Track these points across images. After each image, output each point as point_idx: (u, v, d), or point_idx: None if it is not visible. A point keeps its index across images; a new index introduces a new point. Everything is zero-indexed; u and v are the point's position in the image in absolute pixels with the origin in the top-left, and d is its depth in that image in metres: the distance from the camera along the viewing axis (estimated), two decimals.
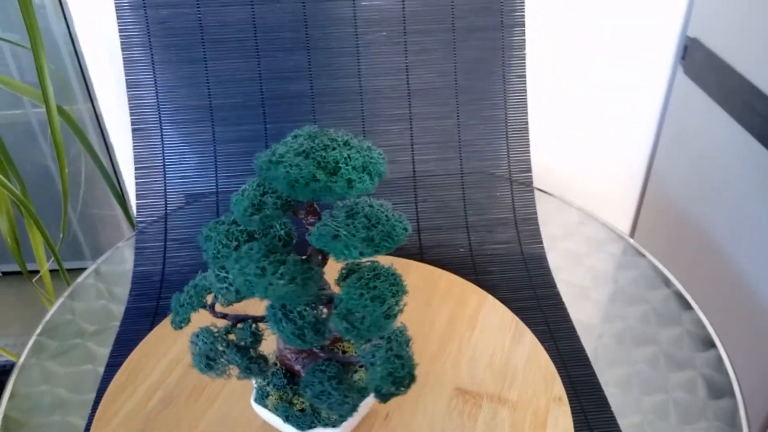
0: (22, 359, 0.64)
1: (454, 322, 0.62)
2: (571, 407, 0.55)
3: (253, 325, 0.46)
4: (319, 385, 0.43)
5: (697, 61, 0.85)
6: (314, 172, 0.37)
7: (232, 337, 0.45)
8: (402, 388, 0.41)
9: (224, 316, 0.46)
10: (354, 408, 0.44)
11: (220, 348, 0.44)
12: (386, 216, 0.39)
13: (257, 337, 0.46)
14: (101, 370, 0.62)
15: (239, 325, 0.46)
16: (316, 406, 0.45)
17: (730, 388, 0.59)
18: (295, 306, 0.41)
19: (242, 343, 0.45)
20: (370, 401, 0.50)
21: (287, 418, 0.47)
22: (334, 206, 0.40)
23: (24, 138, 1.27)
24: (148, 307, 0.68)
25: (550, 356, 0.59)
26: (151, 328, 0.65)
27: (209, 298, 0.45)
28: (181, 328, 0.45)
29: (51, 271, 0.94)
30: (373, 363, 0.41)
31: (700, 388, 0.59)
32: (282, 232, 0.44)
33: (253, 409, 0.50)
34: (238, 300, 0.43)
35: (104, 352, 0.64)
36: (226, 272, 0.42)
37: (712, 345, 0.63)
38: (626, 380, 0.60)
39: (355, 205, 0.39)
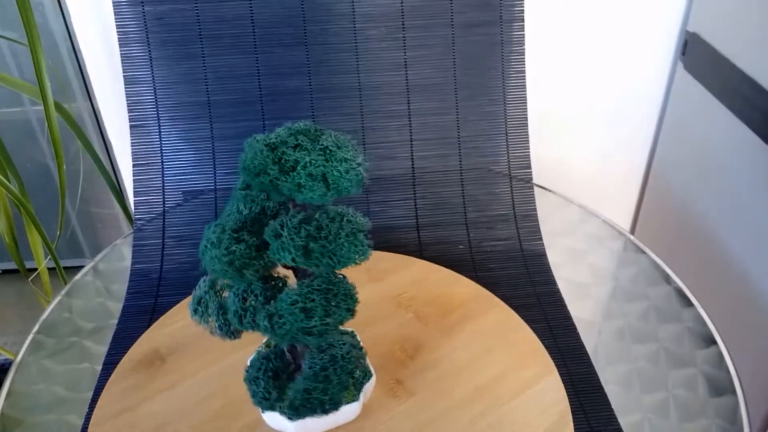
0: (19, 357, 0.64)
1: (505, 378, 0.56)
2: (570, 405, 0.54)
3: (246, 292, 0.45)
4: (254, 372, 0.43)
5: (697, 56, 0.85)
6: (268, 165, 0.36)
7: (225, 294, 0.45)
8: (316, 411, 0.41)
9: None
10: (273, 404, 0.43)
11: (209, 300, 0.44)
12: (339, 233, 0.37)
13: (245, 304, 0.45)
14: (99, 368, 0.62)
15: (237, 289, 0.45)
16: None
17: (731, 385, 0.58)
18: (240, 285, 0.41)
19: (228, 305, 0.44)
20: (352, 413, 0.49)
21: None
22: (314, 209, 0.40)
23: (23, 136, 1.27)
24: (146, 304, 0.68)
25: (550, 353, 0.59)
26: (148, 326, 0.64)
27: None
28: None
29: (50, 269, 0.94)
30: (305, 373, 0.41)
31: (700, 386, 0.59)
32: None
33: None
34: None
35: (102, 350, 0.64)
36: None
37: (713, 342, 0.62)
38: (626, 378, 0.60)
39: (316, 212, 0.39)
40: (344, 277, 0.41)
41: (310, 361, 0.42)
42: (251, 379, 0.43)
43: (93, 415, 0.54)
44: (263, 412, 0.45)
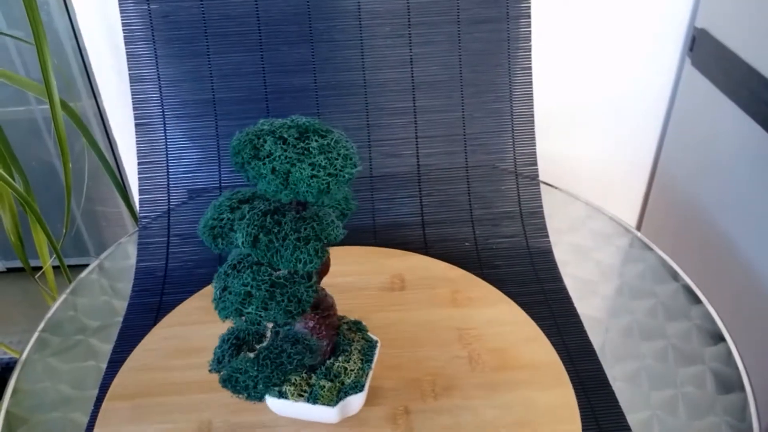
0: (24, 355, 0.64)
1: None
2: (578, 402, 0.54)
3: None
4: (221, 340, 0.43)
5: (704, 52, 0.84)
6: (246, 148, 0.37)
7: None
8: (240, 393, 0.42)
9: None
10: (222, 368, 0.43)
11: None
12: (291, 237, 0.38)
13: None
14: (104, 366, 0.62)
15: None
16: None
17: (739, 382, 0.58)
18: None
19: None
20: (326, 414, 0.49)
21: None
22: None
23: (29, 134, 1.27)
24: (151, 302, 0.68)
25: (557, 351, 0.58)
26: (154, 324, 0.64)
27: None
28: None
29: (55, 267, 0.94)
30: (257, 352, 0.43)
31: (709, 383, 0.59)
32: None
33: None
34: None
35: (107, 348, 0.64)
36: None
37: (721, 339, 0.62)
38: (634, 375, 0.60)
39: (295, 212, 0.39)
40: (308, 279, 0.41)
41: (266, 344, 0.43)
42: (219, 344, 0.44)
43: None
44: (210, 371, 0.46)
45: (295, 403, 0.48)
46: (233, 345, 0.45)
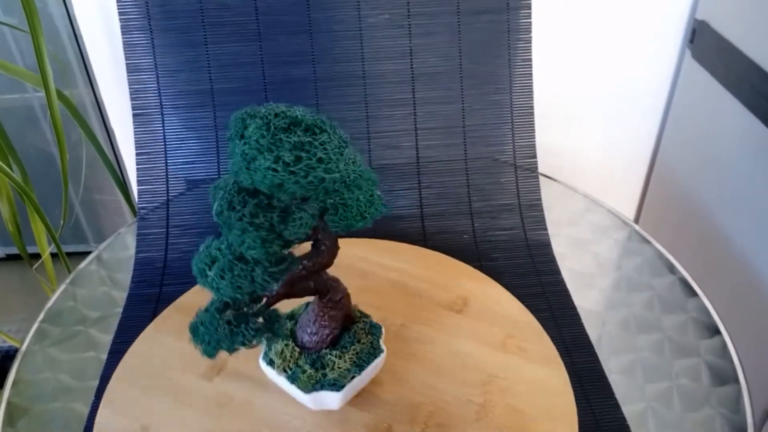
0: (24, 346, 0.64)
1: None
2: (574, 394, 0.55)
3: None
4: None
5: (705, 44, 0.84)
6: (236, 124, 0.38)
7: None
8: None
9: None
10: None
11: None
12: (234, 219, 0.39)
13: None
14: (104, 356, 0.62)
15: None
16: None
17: (734, 375, 0.58)
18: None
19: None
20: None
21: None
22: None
23: (27, 122, 1.27)
24: (150, 293, 0.68)
25: (554, 343, 0.59)
26: (153, 315, 0.64)
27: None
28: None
29: (54, 254, 0.94)
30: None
31: (704, 375, 0.59)
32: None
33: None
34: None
35: (107, 338, 0.64)
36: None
37: (717, 332, 0.63)
38: (630, 367, 0.60)
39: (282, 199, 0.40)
40: (273, 264, 0.40)
41: (238, 311, 0.43)
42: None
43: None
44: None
45: (278, 375, 0.49)
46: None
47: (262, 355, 0.51)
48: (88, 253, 0.75)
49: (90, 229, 1.43)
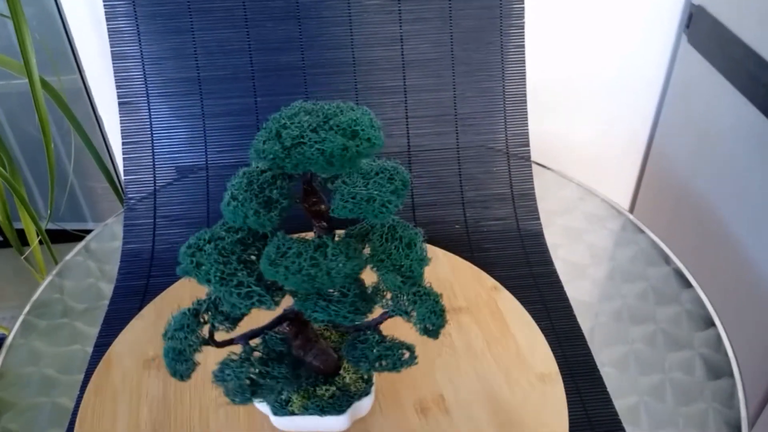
0: (10, 339, 0.63)
1: None
2: (565, 387, 0.54)
3: (273, 332, 0.44)
4: (372, 352, 0.43)
5: (701, 30, 0.82)
6: (343, 142, 0.35)
7: (257, 354, 0.43)
8: (444, 319, 0.43)
9: (230, 342, 0.43)
10: (412, 356, 0.44)
11: (257, 369, 0.41)
12: (392, 166, 0.38)
13: (287, 341, 0.44)
14: (90, 350, 0.61)
15: (254, 341, 0.43)
16: (375, 371, 0.46)
17: (728, 368, 0.58)
18: (326, 288, 0.40)
19: (274, 355, 0.43)
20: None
21: (323, 410, 0.47)
22: (339, 176, 0.38)
23: (22, 105, 1.25)
24: (137, 285, 0.67)
25: (546, 335, 0.58)
26: (140, 308, 0.63)
27: (204, 331, 0.42)
28: (189, 376, 0.41)
29: (51, 231, 0.92)
30: (406, 311, 0.42)
31: (698, 368, 0.58)
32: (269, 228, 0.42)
33: (277, 428, 0.49)
34: (277, 304, 0.40)
35: (93, 331, 0.63)
36: (248, 286, 0.39)
37: (712, 324, 0.62)
38: (623, 360, 0.59)
39: (360, 169, 0.38)
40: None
41: (401, 300, 0.43)
42: (379, 360, 0.43)
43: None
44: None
45: (305, 418, 0.47)
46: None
47: (271, 412, 0.47)
48: (86, 231, 0.74)
49: (88, 208, 1.42)
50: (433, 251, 0.66)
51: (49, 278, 0.70)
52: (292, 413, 0.47)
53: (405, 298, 0.42)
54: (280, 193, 0.38)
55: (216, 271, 0.39)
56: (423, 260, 0.40)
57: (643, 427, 0.54)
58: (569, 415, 0.52)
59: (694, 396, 0.56)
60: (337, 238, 0.40)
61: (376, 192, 0.36)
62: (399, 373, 0.52)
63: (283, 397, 0.47)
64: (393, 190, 0.37)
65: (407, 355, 0.44)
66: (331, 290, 0.40)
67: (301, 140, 0.35)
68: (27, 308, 0.67)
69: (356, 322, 0.40)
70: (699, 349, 0.60)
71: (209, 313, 0.41)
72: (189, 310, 0.42)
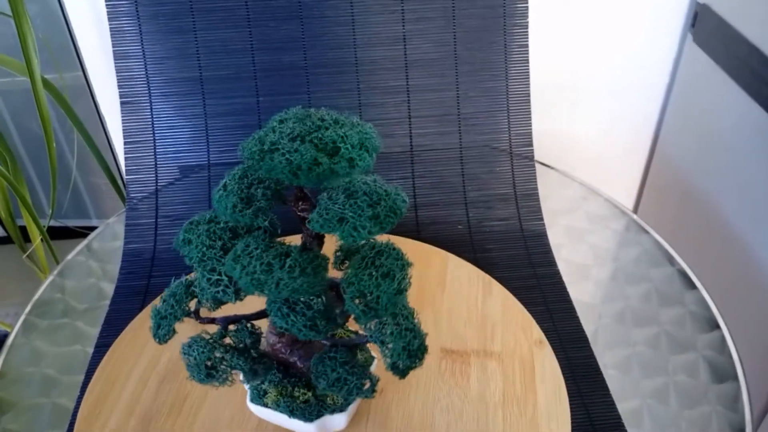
0: (11, 339, 0.63)
1: (422, 285, 0.62)
2: (568, 390, 0.53)
3: (249, 325, 0.44)
4: (333, 372, 0.42)
5: (707, 28, 0.82)
6: (315, 155, 0.35)
7: (227, 341, 0.43)
8: (417, 361, 0.41)
9: (212, 321, 0.44)
10: (371, 389, 0.43)
11: (219, 355, 0.42)
12: (385, 191, 0.37)
13: (256, 336, 0.44)
14: (90, 350, 0.61)
15: (231, 327, 0.44)
16: (330, 393, 0.45)
17: (733, 371, 0.57)
18: (299, 297, 0.39)
19: (241, 346, 0.43)
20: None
21: (292, 412, 0.46)
22: (327, 188, 0.38)
23: (26, 102, 1.25)
24: (138, 285, 0.67)
25: (548, 337, 0.58)
26: (142, 308, 0.63)
27: (192, 305, 0.43)
28: (166, 341, 0.43)
29: (53, 230, 0.92)
30: (383, 341, 0.40)
31: (702, 371, 0.58)
32: (267, 224, 0.42)
33: (250, 410, 0.49)
34: (240, 299, 0.41)
35: (94, 331, 0.63)
36: (219, 274, 0.40)
37: (716, 326, 0.61)
38: (626, 362, 0.59)
39: (351, 184, 0.37)
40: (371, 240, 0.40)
41: (380, 329, 0.41)
42: (336, 383, 0.42)
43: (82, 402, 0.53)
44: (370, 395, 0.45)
45: (275, 413, 0.47)
46: (287, 389, 0.44)
47: (249, 397, 0.48)
48: (89, 228, 0.74)
49: (92, 204, 1.42)
50: (489, 285, 0.62)
51: (50, 278, 0.70)
52: (265, 405, 0.47)
53: (386, 328, 0.41)
54: (263, 192, 0.38)
55: (198, 252, 0.40)
56: (398, 294, 0.38)
57: (646, 431, 0.53)
58: (572, 420, 0.51)
59: (698, 399, 0.56)
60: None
61: (350, 214, 0.36)
62: (396, 400, 0.51)
63: (263, 386, 0.47)
64: (372, 216, 0.36)
65: (367, 385, 0.42)
66: (298, 300, 0.40)
67: (276, 147, 0.35)
68: (28, 308, 0.67)
69: (310, 338, 0.40)
70: (703, 352, 0.60)
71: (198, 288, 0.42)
72: (184, 281, 0.43)
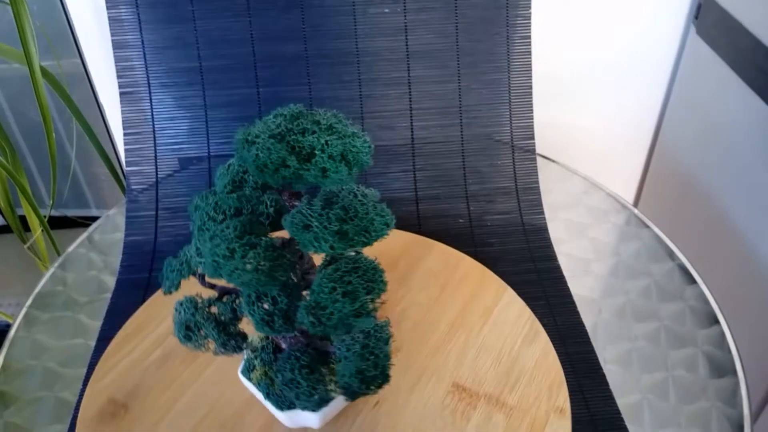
0: (12, 332, 0.63)
1: (466, 312, 0.59)
2: (568, 385, 0.54)
3: (234, 301, 0.44)
4: (289, 372, 0.41)
5: (710, 21, 0.81)
6: (285, 157, 0.34)
7: (214, 310, 0.44)
8: (371, 388, 0.40)
9: (212, 287, 0.44)
10: (322, 402, 0.42)
11: (200, 320, 0.42)
12: (366, 209, 0.36)
13: (236, 314, 0.44)
14: (92, 343, 0.61)
15: (224, 299, 0.44)
16: (284, 393, 0.44)
17: (732, 366, 0.58)
18: (270, 290, 0.39)
19: (222, 318, 0.43)
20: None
21: (268, 395, 0.46)
22: (319, 191, 0.38)
23: (24, 88, 1.24)
24: (139, 278, 0.67)
25: (548, 332, 0.58)
26: (143, 301, 0.63)
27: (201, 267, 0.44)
28: (170, 292, 0.44)
29: (53, 220, 0.91)
30: (346, 357, 0.39)
31: (701, 366, 0.58)
32: (271, 210, 0.42)
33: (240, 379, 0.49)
34: (215, 276, 0.41)
35: (95, 324, 0.63)
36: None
37: (716, 321, 0.61)
38: (626, 357, 0.59)
39: (336, 194, 0.37)
40: (359, 252, 0.39)
41: (346, 344, 0.41)
42: (288, 384, 0.42)
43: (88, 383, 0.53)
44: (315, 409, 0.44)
45: (255, 390, 0.47)
46: (304, 369, 0.42)
47: (241, 367, 0.48)
48: (89, 218, 0.74)
49: (91, 194, 1.42)
50: (535, 333, 0.57)
51: (51, 270, 0.70)
52: (250, 379, 0.47)
53: (354, 346, 0.39)
54: (253, 181, 0.39)
55: (200, 220, 0.40)
56: (355, 316, 0.37)
57: (645, 426, 0.54)
58: (572, 414, 0.51)
59: (697, 394, 0.56)
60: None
61: (316, 224, 0.35)
62: (387, 417, 0.50)
63: (254, 362, 0.47)
64: (339, 232, 0.35)
65: (315, 397, 0.41)
66: (267, 292, 0.39)
67: (255, 141, 0.35)
68: (30, 300, 0.67)
69: (264, 332, 0.40)
70: (702, 347, 0.60)
71: None
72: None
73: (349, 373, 0.39)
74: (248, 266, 0.36)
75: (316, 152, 0.34)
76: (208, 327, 0.42)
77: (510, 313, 0.59)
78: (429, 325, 0.58)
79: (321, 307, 0.37)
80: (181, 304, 0.43)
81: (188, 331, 0.42)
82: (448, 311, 0.59)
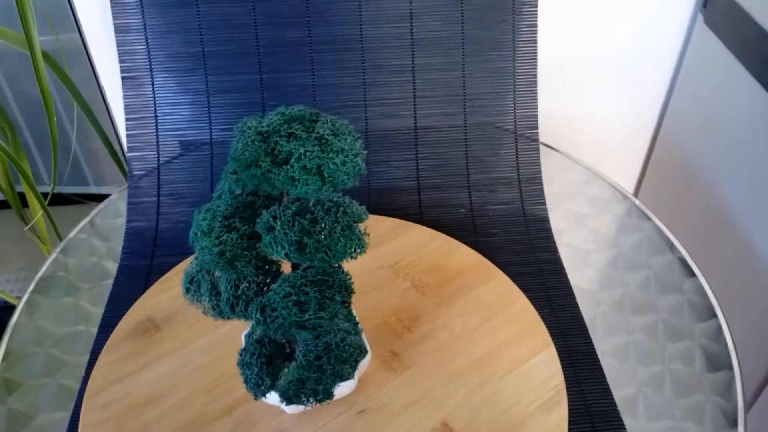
0: (15, 318, 0.63)
1: (497, 354, 0.55)
2: (565, 378, 0.54)
3: (256, 285, 0.44)
4: (245, 355, 0.42)
5: (718, 9, 0.80)
6: (260, 156, 0.34)
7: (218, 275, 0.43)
8: (308, 400, 0.39)
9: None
10: (266, 391, 0.42)
11: (192, 279, 0.42)
12: (335, 228, 0.36)
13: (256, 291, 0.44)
14: (95, 330, 0.62)
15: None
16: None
17: (728, 360, 0.58)
18: (230, 275, 0.39)
19: (219, 291, 0.43)
20: (347, 389, 0.49)
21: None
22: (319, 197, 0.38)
23: (22, 64, 1.23)
24: (141, 265, 0.67)
25: (547, 325, 0.58)
26: (145, 288, 0.64)
27: None
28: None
29: (54, 197, 0.91)
30: (299, 361, 0.40)
31: (697, 360, 0.59)
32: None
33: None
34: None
35: (98, 311, 0.64)
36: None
37: (713, 315, 0.62)
38: (623, 350, 0.60)
39: (314, 204, 0.36)
40: (340, 266, 0.39)
41: (305, 349, 0.41)
42: (244, 364, 0.42)
43: (86, 388, 0.54)
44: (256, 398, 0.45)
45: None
46: (261, 358, 0.42)
47: (245, 332, 0.48)
48: (88, 195, 0.74)
49: (90, 171, 1.41)
50: (560, 396, 0.53)
51: (53, 255, 0.70)
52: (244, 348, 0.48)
53: (309, 354, 0.39)
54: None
55: (218, 207, 0.39)
56: (299, 328, 0.36)
57: (640, 418, 0.55)
58: (569, 406, 0.52)
59: (693, 388, 0.57)
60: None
61: (278, 228, 0.35)
62: (357, 426, 0.49)
63: (256, 333, 0.47)
64: (297, 242, 0.35)
65: (256, 390, 0.41)
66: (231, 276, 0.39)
67: (244, 132, 0.36)
68: (32, 286, 0.67)
69: (209, 315, 0.40)
70: (699, 341, 0.60)
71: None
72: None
73: (290, 380, 0.39)
74: (215, 249, 0.36)
75: (292, 160, 0.34)
76: (205, 288, 0.42)
77: (541, 372, 0.54)
78: (451, 353, 0.55)
79: (272, 308, 0.37)
80: (195, 260, 0.42)
81: (190, 284, 0.43)
82: (478, 346, 0.56)
